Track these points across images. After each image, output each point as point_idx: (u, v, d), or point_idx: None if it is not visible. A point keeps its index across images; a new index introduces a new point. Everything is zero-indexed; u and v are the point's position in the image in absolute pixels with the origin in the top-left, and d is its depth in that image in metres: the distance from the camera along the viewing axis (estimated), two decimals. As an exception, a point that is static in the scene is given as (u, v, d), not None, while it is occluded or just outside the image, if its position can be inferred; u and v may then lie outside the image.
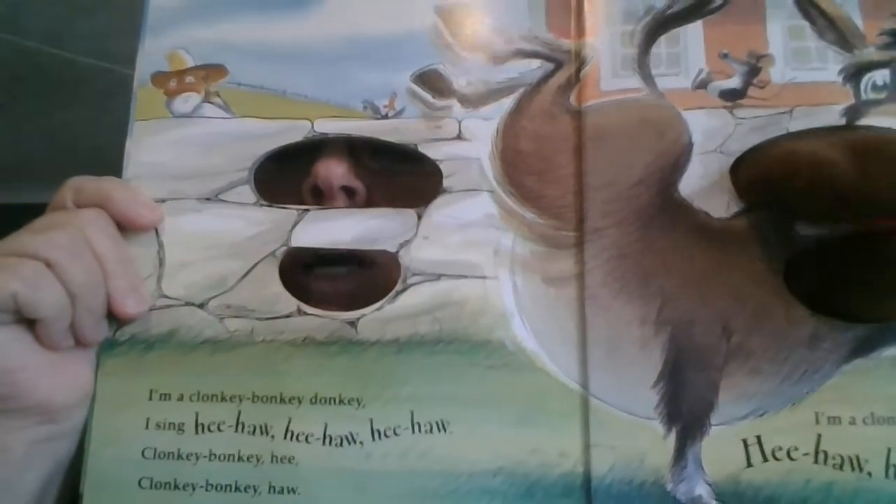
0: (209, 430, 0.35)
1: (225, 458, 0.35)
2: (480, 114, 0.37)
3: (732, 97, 0.36)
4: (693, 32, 0.37)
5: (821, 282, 0.34)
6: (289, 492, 0.34)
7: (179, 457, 0.35)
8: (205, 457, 0.35)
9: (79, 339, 0.34)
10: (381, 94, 0.37)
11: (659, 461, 0.33)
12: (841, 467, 0.33)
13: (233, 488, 0.34)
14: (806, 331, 0.34)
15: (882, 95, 0.36)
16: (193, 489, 0.34)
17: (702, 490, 0.33)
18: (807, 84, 0.36)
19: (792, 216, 0.34)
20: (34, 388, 0.33)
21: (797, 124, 0.35)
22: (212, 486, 0.34)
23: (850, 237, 0.33)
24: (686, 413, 0.34)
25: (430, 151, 0.37)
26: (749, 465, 0.33)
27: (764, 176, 0.34)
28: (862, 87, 0.36)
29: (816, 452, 0.33)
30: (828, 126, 0.35)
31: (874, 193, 0.31)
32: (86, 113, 1.69)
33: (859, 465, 0.33)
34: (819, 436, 0.33)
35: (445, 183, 0.36)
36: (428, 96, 0.37)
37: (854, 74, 0.36)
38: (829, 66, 0.36)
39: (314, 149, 0.40)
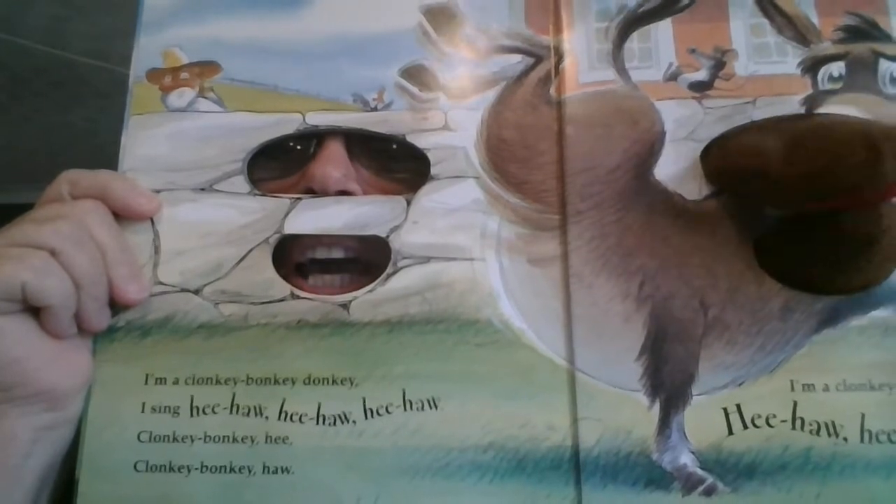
0: (204, 412, 0.35)
1: (220, 439, 0.35)
2: (465, 105, 0.39)
3: (700, 88, 0.39)
4: (663, 29, 0.40)
5: (788, 257, 0.36)
6: (283, 471, 0.35)
7: (175, 439, 0.35)
8: (200, 439, 0.35)
9: (83, 326, 0.35)
10: (369, 88, 0.39)
11: (644, 432, 0.34)
12: (817, 433, 0.34)
13: (228, 469, 0.35)
14: (777, 303, 0.36)
15: (838, 86, 0.38)
16: (189, 471, 0.35)
17: (686, 459, 0.34)
18: (768, 76, 0.39)
19: (752, 198, 0.36)
20: (40, 376, 0.33)
21: (760, 113, 0.38)
22: (207, 467, 0.35)
23: (811, 215, 0.35)
24: (669, 384, 0.35)
25: (418, 141, 0.38)
26: (730, 433, 0.34)
27: (724, 166, 0.37)
28: (819, 78, 0.39)
29: (793, 419, 0.34)
30: (788, 115, 0.38)
31: (795, 180, 0.33)
32: (85, 113, 1.69)
33: (835, 430, 0.34)
34: (795, 403, 0.35)
35: (433, 170, 0.38)
36: (415, 89, 0.39)
37: (811, 67, 0.39)
38: (788, 59, 0.39)
39: (308, 149, 0.41)
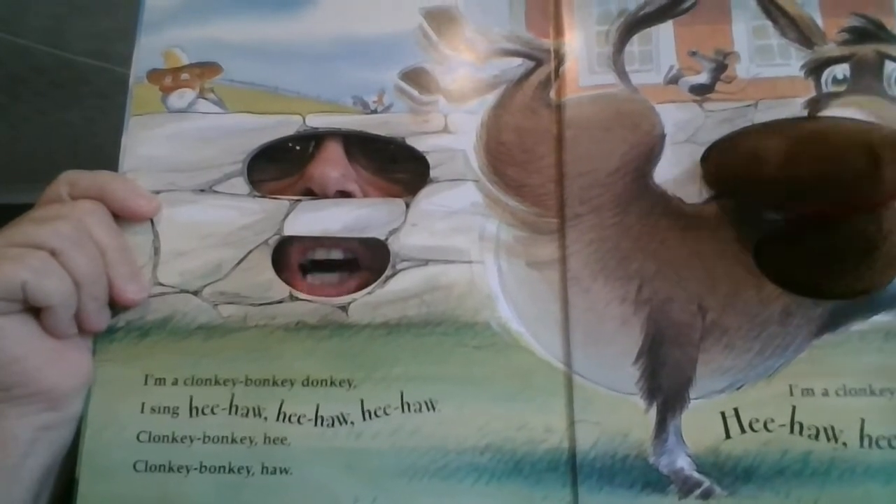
0: (203, 413, 0.36)
1: (219, 440, 0.35)
2: (465, 108, 0.39)
3: (701, 91, 0.39)
4: (664, 32, 0.39)
5: (788, 261, 0.36)
6: (281, 472, 0.35)
7: (174, 440, 0.35)
8: (199, 439, 0.35)
9: (83, 326, 0.35)
10: (369, 91, 0.39)
11: (641, 435, 0.34)
12: (816, 437, 0.34)
13: (226, 469, 0.35)
14: (777, 307, 0.36)
15: (842, 88, 0.38)
16: (188, 471, 0.35)
17: (683, 462, 0.34)
18: (771, 79, 0.38)
19: (753, 202, 0.36)
20: (40, 375, 0.34)
21: (762, 116, 0.38)
22: (206, 467, 0.35)
23: (811, 219, 0.35)
24: (666, 388, 0.35)
25: (418, 143, 0.38)
26: (728, 437, 0.34)
27: (723, 170, 0.37)
28: (823, 80, 0.38)
29: (792, 423, 0.34)
30: (789, 118, 0.38)
31: (796, 183, 0.33)
32: (85, 113, 1.70)
33: (834, 435, 0.34)
34: (794, 407, 0.34)
35: (432, 173, 0.38)
36: (415, 92, 0.39)
37: (815, 69, 0.38)
38: (791, 61, 0.39)
39: (307, 150, 0.41)
